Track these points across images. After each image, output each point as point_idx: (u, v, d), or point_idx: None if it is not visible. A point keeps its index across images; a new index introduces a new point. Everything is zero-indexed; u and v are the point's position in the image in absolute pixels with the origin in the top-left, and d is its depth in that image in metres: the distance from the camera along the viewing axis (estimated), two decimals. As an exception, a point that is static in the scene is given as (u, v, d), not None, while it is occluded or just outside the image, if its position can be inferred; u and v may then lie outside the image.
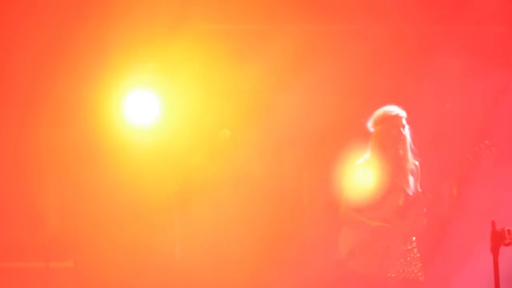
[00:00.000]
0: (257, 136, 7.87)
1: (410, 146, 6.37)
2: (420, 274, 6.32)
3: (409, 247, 6.33)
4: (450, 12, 7.64)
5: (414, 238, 6.36)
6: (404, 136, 6.34)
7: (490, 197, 7.51)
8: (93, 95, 7.78)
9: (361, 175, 6.37)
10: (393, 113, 6.36)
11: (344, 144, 7.10)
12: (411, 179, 6.35)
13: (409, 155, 6.36)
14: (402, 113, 6.38)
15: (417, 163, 6.40)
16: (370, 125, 6.42)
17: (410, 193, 6.30)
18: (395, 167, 6.33)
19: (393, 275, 6.27)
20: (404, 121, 6.34)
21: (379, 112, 6.40)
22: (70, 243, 8.02)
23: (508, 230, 4.48)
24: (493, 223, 4.53)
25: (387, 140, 6.34)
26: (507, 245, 4.49)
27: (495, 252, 4.51)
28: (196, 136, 7.62)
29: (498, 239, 4.49)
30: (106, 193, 7.88)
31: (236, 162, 7.90)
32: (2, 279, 7.94)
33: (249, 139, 7.82)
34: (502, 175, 7.54)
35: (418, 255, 6.36)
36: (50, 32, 7.59)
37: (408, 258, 6.32)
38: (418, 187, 6.35)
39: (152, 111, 7.88)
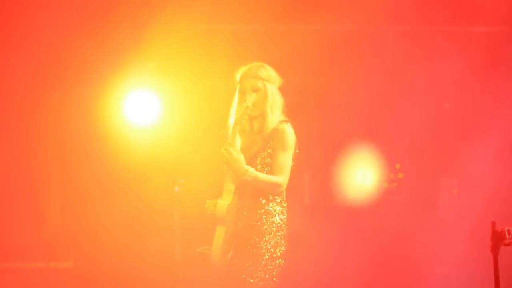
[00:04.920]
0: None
1: (281, 114, 4.98)
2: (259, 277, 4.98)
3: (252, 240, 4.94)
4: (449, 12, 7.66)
5: (278, 236, 5.12)
6: (248, 105, 4.77)
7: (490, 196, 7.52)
8: (93, 95, 7.79)
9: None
10: (248, 72, 4.87)
11: (345, 144, 7.10)
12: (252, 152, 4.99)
13: (267, 124, 4.92)
14: (263, 73, 4.87)
15: (289, 135, 4.96)
16: None
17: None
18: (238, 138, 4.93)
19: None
20: (259, 84, 4.86)
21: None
22: (70, 243, 8.03)
23: (508, 230, 4.49)
24: (493, 223, 4.53)
25: (235, 102, 4.94)
26: (507, 245, 4.50)
27: (495, 252, 4.51)
28: (196, 136, 7.62)
29: (498, 239, 4.50)
30: (106, 193, 7.88)
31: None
32: (2, 279, 7.94)
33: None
34: (502, 175, 7.56)
35: (272, 252, 5.05)
36: (50, 32, 7.60)
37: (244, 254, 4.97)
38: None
39: (152, 111, 7.88)
